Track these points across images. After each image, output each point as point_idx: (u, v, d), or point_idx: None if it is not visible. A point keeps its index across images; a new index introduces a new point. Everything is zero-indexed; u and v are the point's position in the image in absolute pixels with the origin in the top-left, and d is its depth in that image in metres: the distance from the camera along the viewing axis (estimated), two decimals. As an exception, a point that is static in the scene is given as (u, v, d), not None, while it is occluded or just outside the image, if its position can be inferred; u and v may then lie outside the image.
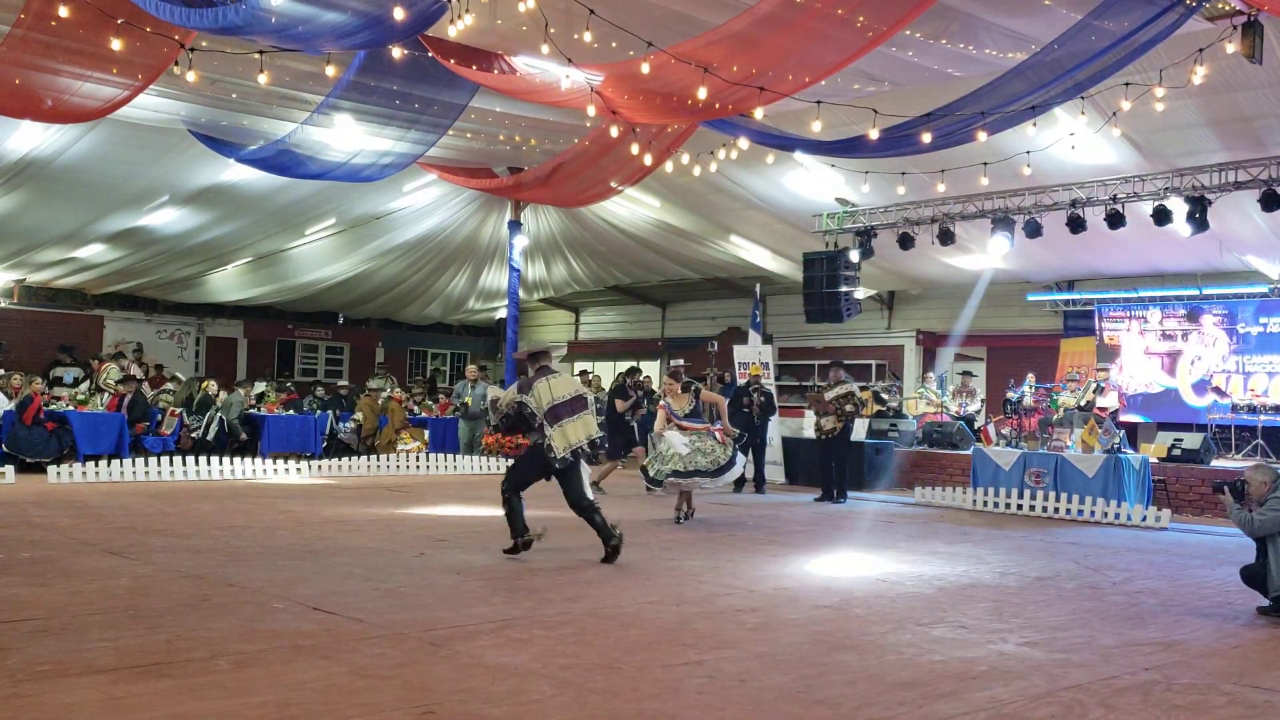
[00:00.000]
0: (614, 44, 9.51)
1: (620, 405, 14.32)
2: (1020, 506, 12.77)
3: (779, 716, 4.32)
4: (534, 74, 11.43)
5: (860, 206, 16.29)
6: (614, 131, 12.24)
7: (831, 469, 13.79)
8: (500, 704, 4.30)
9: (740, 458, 10.96)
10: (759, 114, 11.11)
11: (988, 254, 15.75)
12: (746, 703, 4.47)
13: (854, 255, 16.29)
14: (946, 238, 15.45)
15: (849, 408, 13.71)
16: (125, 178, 15.43)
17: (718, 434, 10.72)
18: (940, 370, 18.72)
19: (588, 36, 8.96)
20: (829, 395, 13.73)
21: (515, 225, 18.69)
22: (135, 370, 18.04)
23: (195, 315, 23.23)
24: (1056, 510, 12.48)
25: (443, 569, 7.64)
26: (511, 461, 8.82)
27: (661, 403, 11.01)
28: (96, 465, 13.38)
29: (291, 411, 17.44)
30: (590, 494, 8.20)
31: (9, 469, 12.84)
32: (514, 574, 7.47)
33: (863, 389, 15.66)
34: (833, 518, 12.03)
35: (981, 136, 10.98)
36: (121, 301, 21.99)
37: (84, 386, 15.83)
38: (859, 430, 15.20)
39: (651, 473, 10.60)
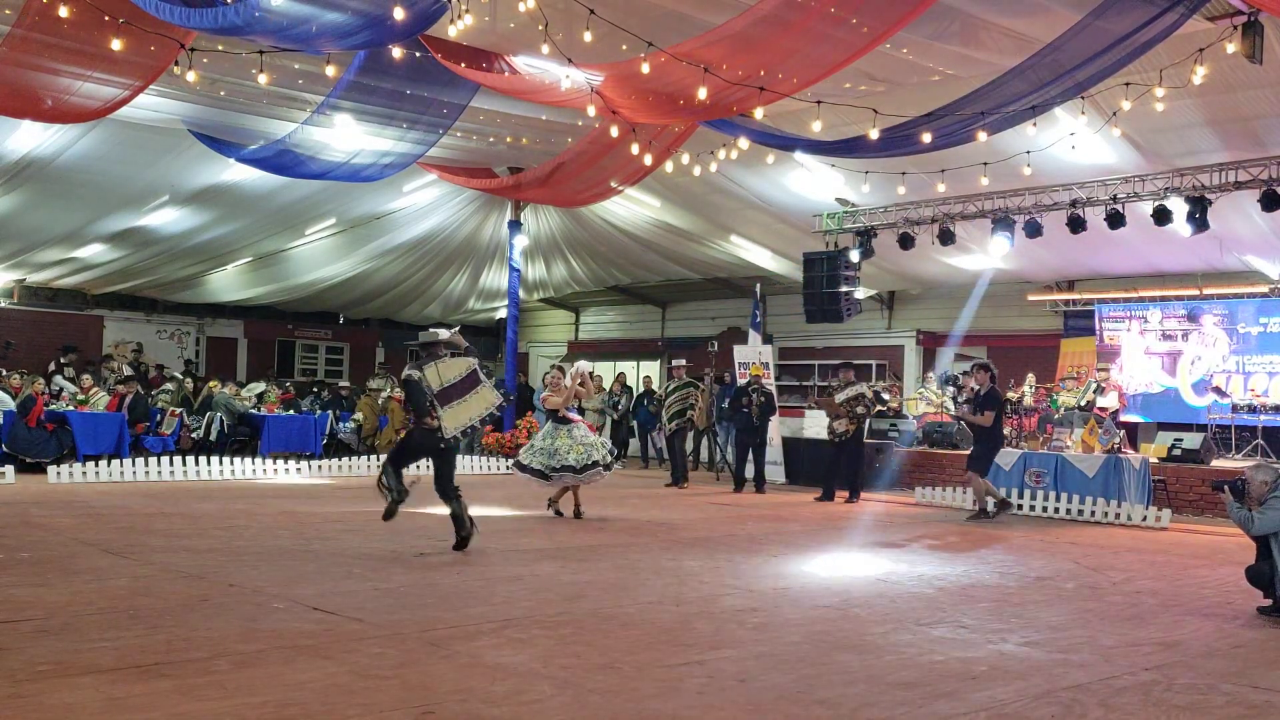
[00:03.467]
0: (614, 44, 9.51)
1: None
2: (1020, 506, 12.77)
3: (779, 716, 4.31)
4: (534, 74, 11.42)
5: (860, 206, 16.28)
6: (614, 131, 12.23)
7: (843, 470, 13.80)
8: (500, 704, 4.30)
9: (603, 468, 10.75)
10: (759, 114, 11.10)
11: (988, 254, 15.73)
12: (746, 703, 4.47)
13: (854, 255, 16.28)
14: (946, 238, 15.44)
15: (860, 409, 13.73)
16: (125, 178, 15.42)
17: (586, 426, 11.03)
18: (940, 370, 18.69)
19: (588, 36, 8.96)
20: (839, 397, 13.74)
21: (515, 225, 18.69)
22: (125, 369, 18.01)
23: (195, 315, 23.22)
24: (1056, 510, 12.49)
25: (443, 569, 7.65)
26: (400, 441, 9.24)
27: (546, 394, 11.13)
28: (96, 465, 13.39)
29: (291, 411, 17.44)
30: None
31: (9, 469, 12.86)
32: (514, 574, 7.48)
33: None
34: (833, 518, 12.03)
35: (981, 136, 10.98)
36: (121, 301, 21.99)
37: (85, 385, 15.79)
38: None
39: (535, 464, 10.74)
